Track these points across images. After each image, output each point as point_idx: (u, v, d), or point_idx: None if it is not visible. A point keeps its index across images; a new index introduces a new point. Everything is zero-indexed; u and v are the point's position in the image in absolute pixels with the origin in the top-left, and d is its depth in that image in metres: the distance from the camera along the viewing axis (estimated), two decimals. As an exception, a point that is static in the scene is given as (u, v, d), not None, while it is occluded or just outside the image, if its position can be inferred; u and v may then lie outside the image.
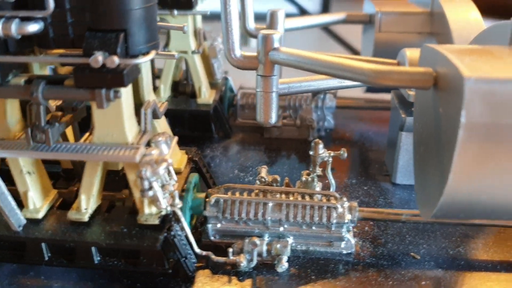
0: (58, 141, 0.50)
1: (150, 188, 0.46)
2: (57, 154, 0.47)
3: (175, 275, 0.50)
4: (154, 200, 0.48)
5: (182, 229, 0.50)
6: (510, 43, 0.48)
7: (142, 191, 0.46)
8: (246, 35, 0.74)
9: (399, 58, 0.64)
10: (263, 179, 0.58)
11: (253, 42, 0.79)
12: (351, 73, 0.45)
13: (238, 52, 0.53)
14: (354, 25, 0.87)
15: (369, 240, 0.57)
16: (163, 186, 0.48)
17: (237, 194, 0.55)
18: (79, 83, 0.44)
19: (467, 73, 0.38)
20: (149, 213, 0.49)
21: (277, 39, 0.51)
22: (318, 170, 0.59)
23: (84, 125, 0.56)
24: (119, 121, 0.47)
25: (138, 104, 0.52)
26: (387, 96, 0.87)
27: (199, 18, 0.80)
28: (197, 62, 0.78)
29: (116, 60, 0.43)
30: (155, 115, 0.53)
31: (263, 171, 0.60)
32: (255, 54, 0.52)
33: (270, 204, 0.53)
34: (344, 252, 0.54)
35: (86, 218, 0.50)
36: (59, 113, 0.53)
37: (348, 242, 0.54)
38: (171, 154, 0.49)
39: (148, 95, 0.54)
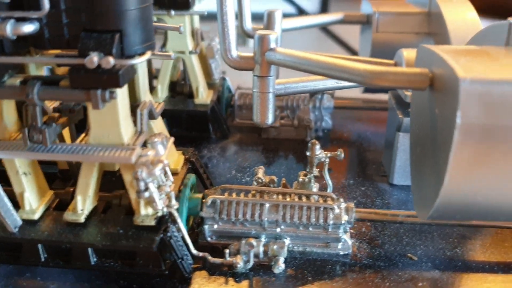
0: (54, 142, 0.50)
1: (146, 189, 0.46)
2: (53, 155, 0.47)
3: (171, 276, 0.50)
4: (150, 201, 0.47)
5: (179, 230, 0.50)
6: (507, 44, 0.48)
7: (138, 192, 0.46)
8: (244, 35, 0.74)
9: (396, 59, 0.64)
10: (260, 180, 0.58)
11: (252, 42, 0.79)
12: (347, 74, 0.45)
13: (234, 52, 0.53)
14: (353, 25, 0.87)
15: (366, 241, 0.57)
16: (159, 187, 0.48)
17: (234, 195, 0.55)
18: (75, 83, 0.44)
19: (462, 74, 0.37)
20: (145, 214, 0.49)
21: (273, 40, 0.51)
22: (315, 171, 0.59)
23: (81, 125, 0.56)
24: (115, 122, 0.47)
25: (134, 104, 0.51)
26: (384, 97, 0.87)
27: (196, 18, 0.80)
28: (195, 62, 0.78)
29: (111, 60, 0.43)
30: (151, 116, 0.52)
31: (260, 172, 0.59)
32: (251, 54, 0.52)
33: (267, 205, 0.53)
34: (341, 253, 0.54)
35: (82, 219, 0.50)
36: (56, 115, 0.53)
37: (345, 243, 0.54)
38: (167, 154, 0.49)
39: (144, 95, 0.54)
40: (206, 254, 0.52)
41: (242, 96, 0.84)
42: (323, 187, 0.61)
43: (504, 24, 0.48)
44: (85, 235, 0.49)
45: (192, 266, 0.51)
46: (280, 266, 0.51)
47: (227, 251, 0.51)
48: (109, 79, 0.43)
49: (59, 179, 0.57)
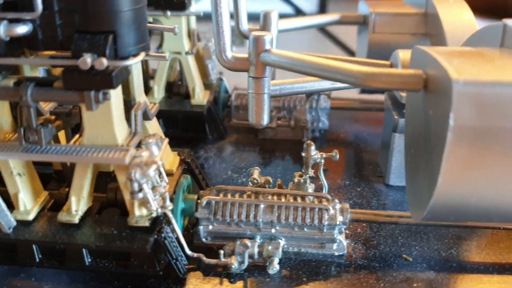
0: (50, 143, 0.50)
1: (140, 190, 0.46)
2: (47, 156, 0.47)
3: (166, 277, 0.50)
4: (144, 202, 0.47)
5: (173, 231, 0.50)
6: (501, 45, 0.48)
7: (132, 193, 0.46)
8: (240, 36, 0.74)
9: (392, 60, 0.64)
10: (255, 181, 0.58)
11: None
12: (341, 75, 0.45)
13: (229, 53, 0.53)
14: (350, 26, 0.87)
15: (362, 242, 0.56)
16: (153, 188, 0.48)
17: (229, 196, 0.55)
18: (68, 85, 0.44)
19: (455, 75, 0.37)
20: (139, 215, 0.49)
21: (268, 41, 0.51)
22: (311, 172, 0.59)
23: (78, 129, 0.56)
24: (109, 123, 0.47)
25: (129, 105, 0.51)
26: (381, 97, 0.87)
27: (193, 19, 0.80)
28: (191, 63, 0.78)
29: (104, 62, 0.42)
30: (146, 117, 0.52)
31: (256, 173, 0.59)
32: (246, 55, 0.52)
33: (262, 206, 0.53)
34: (336, 254, 0.54)
35: (76, 220, 0.50)
36: (52, 117, 0.53)
37: (340, 244, 0.54)
38: (161, 155, 0.49)
39: (139, 96, 0.53)
40: (201, 255, 0.52)
41: (239, 96, 0.84)
42: (319, 188, 0.61)
43: (499, 25, 0.48)
44: (79, 236, 0.49)
45: (186, 266, 0.51)
46: (274, 267, 0.51)
47: (221, 252, 0.51)
48: (103, 80, 0.43)
49: (54, 179, 0.57)
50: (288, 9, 1.51)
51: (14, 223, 0.50)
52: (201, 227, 0.54)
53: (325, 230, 0.53)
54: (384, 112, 0.73)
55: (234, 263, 0.51)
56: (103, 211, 0.53)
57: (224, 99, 0.87)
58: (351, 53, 1.30)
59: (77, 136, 0.52)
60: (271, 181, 0.58)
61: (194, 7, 0.78)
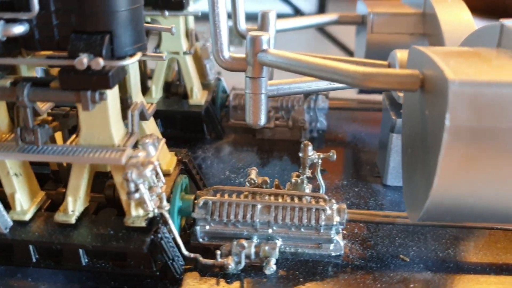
0: (46, 143, 0.50)
1: (137, 190, 0.46)
2: (43, 156, 0.47)
3: (162, 277, 0.50)
4: (140, 203, 0.47)
5: (170, 231, 0.50)
6: (499, 45, 0.48)
7: (128, 193, 0.46)
8: (238, 36, 0.74)
9: (390, 60, 0.64)
10: (252, 181, 0.58)
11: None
12: (338, 75, 0.45)
13: (226, 53, 0.53)
14: (349, 26, 0.87)
15: (359, 242, 0.56)
16: (150, 188, 0.48)
17: (226, 196, 0.55)
18: (64, 85, 0.44)
19: (451, 76, 0.37)
20: (136, 216, 0.49)
21: (265, 41, 0.51)
22: (308, 172, 0.59)
23: (74, 128, 0.56)
24: (105, 123, 0.47)
25: (126, 105, 0.51)
26: (380, 97, 0.87)
27: (191, 19, 0.80)
28: (189, 63, 0.78)
29: (101, 62, 0.42)
30: (143, 117, 0.52)
31: (253, 173, 0.59)
32: (243, 55, 0.52)
33: (259, 206, 0.53)
34: (333, 254, 0.54)
35: (73, 220, 0.49)
36: (49, 118, 0.53)
37: (337, 244, 0.54)
38: (158, 156, 0.49)
39: (136, 96, 0.53)
40: (198, 255, 0.51)
41: (237, 96, 0.84)
42: (316, 188, 0.61)
43: (496, 26, 0.48)
44: (75, 236, 0.49)
45: (183, 267, 0.51)
46: (271, 267, 0.51)
47: (218, 252, 0.51)
48: (99, 81, 0.43)
49: (52, 180, 0.57)
50: (287, 9, 1.51)
51: (11, 223, 0.50)
52: (198, 228, 0.54)
53: (322, 231, 0.53)
54: (382, 112, 0.73)
55: (231, 264, 0.51)
56: (100, 211, 0.52)
57: (222, 99, 0.87)
58: (349, 53, 1.30)
59: (73, 136, 0.52)
60: (268, 181, 0.58)
61: (192, 7, 0.78)
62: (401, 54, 0.61)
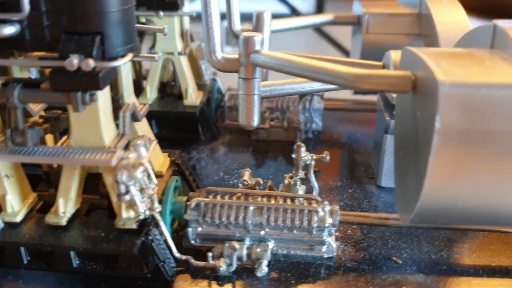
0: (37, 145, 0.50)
1: (127, 192, 0.46)
2: (33, 158, 0.47)
3: (154, 279, 0.50)
4: (131, 204, 0.47)
5: (161, 233, 0.50)
6: (492, 46, 0.48)
7: (119, 195, 0.46)
8: (232, 36, 0.74)
9: (384, 60, 0.64)
10: (246, 182, 0.58)
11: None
12: (330, 76, 0.45)
13: (219, 54, 0.53)
14: (347, 26, 0.87)
15: (352, 244, 0.56)
16: (142, 190, 0.48)
17: (218, 198, 0.54)
18: (55, 86, 0.44)
19: (442, 77, 0.37)
20: (127, 217, 0.48)
21: (258, 42, 0.51)
22: (301, 173, 0.59)
23: (65, 131, 0.55)
24: (96, 124, 0.47)
25: (118, 106, 0.51)
26: (375, 98, 0.86)
27: (186, 19, 0.80)
28: (184, 64, 0.78)
29: (91, 63, 0.42)
30: (135, 118, 0.52)
31: (246, 174, 0.59)
32: (236, 56, 0.52)
33: (251, 208, 0.53)
34: (325, 256, 0.53)
35: (64, 222, 0.49)
36: (40, 120, 0.53)
37: (330, 246, 0.53)
38: (149, 157, 0.49)
39: (128, 97, 0.53)
40: (189, 257, 0.51)
41: (232, 97, 0.83)
42: (311, 190, 0.61)
43: (490, 26, 0.48)
44: (66, 238, 0.48)
45: (175, 269, 0.51)
46: (263, 269, 0.51)
47: (210, 254, 0.51)
48: (89, 82, 0.43)
49: (44, 181, 0.57)
50: (284, 9, 1.51)
51: (2, 225, 0.50)
52: (190, 229, 0.53)
53: (314, 232, 0.52)
54: (377, 113, 0.72)
55: (222, 266, 0.50)
56: (91, 213, 0.52)
57: (217, 100, 0.87)
58: (347, 53, 1.30)
59: (64, 137, 0.52)
60: (261, 182, 0.58)
61: (188, 8, 0.78)
62: (395, 55, 0.61)
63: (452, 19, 0.69)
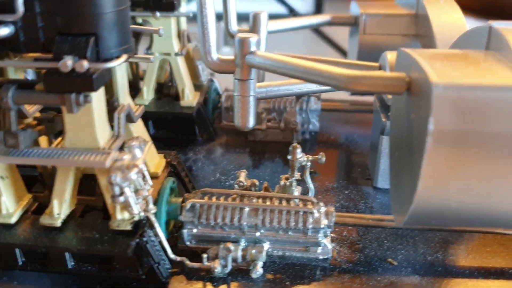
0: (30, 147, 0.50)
1: (121, 193, 0.46)
2: (27, 159, 0.47)
3: (149, 280, 0.50)
4: (126, 206, 0.47)
5: (156, 234, 0.50)
6: (487, 47, 0.48)
7: (113, 196, 0.46)
8: (229, 37, 0.74)
9: (380, 61, 0.64)
10: (241, 184, 0.58)
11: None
12: (324, 78, 0.45)
13: (215, 55, 0.53)
14: (345, 27, 0.87)
15: (347, 245, 0.56)
16: (137, 191, 0.48)
17: (214, 199, 0.54)
18: (49, 87, 0.44)
19: (435, 79, 0.37)
20: (121, 219, 0.48)
21: (254, 43, 0.51)
22: (297, 175, 0.59)
23: (60, 133, 0.55)
24: (90, 125, 0.47)
25: (113, 107, 0.51)
26: (372, 99, 0.86)
27: (183, 20, 0.80)
28: (180, 64, 0.78)
29: (85, 64, 0.42)
30: (130, 119, 0.52)
31: (242, 175, 0.59)
32: (232, 57, 0.52)
33: (247, 209, 0.53)
34: (321, 257, 0.53)
35: (58, 223, 0.49)
36: (34, 122, 0.53)
37: (325, 248, 0.53)
38: (144, 158, 0.49)
39: (124, 98, 0.53)
40: (184, 259, 0.51)
41: (229, 98, 0.83)
42: (307, 191, 0.61)
43: (485, 28, 0.48)
44: (61, 239, 0.48)
45: (170, 270, 0.51)
46: (258, 271, 0.51)
47: (204, 255, 0.51)
48: (83, 83, 0.43)
49: (40, 182, 0.57)
50: (283, 10, 1.51)
51: (-4, 226, 0.50)
52: (185, 231, 0.53)
53: (309, 234, 0.52)
54: (373, 114, 0.72)
55: (217, 267, 0.50)
56: (86, 214, 0.52)
57: (214, 101, 0.87)
58: (345, 54, 1.30)
59: (59, 139, 0.52)
60: (257, 184, 0.58)
61: (185, 8, 0.78)
62: (391, 56, 0.61)
63: (449, 19, 0.69)
